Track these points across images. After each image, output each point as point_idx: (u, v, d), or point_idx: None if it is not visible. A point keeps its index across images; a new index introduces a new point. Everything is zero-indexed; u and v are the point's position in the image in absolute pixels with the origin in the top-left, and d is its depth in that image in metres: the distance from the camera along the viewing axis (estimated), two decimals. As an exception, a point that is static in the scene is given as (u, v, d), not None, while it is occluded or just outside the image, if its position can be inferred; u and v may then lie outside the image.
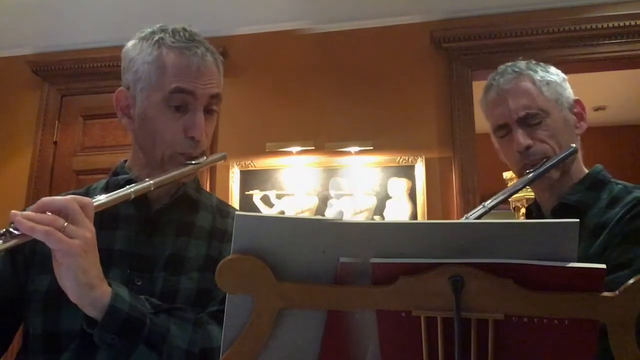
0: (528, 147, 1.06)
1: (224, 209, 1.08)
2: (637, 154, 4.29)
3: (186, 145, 0.95)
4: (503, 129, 1.12)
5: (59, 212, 0.75)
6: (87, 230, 0.76)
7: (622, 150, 4.31)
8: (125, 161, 1.05)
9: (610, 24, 2.53)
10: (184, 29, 0.98)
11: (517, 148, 1.07)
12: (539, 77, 1.10)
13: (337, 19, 2.80)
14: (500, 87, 1.11)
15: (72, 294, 0.75)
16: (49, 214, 0.74)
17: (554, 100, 1.10)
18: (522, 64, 1.14)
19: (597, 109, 4.22)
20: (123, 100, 0.98)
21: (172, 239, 0.97)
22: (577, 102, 1.15)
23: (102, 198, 0.83)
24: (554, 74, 1.14)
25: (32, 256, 0.91)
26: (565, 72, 1.17)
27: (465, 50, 2.66)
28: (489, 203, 1.01)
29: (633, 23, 2.52)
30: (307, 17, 2.83)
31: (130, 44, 1.00)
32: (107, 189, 1.00)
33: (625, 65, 2.72)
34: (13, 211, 0.73)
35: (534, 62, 1.15)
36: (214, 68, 0.97)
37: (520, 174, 1.10)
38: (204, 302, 0.94)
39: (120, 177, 1.00)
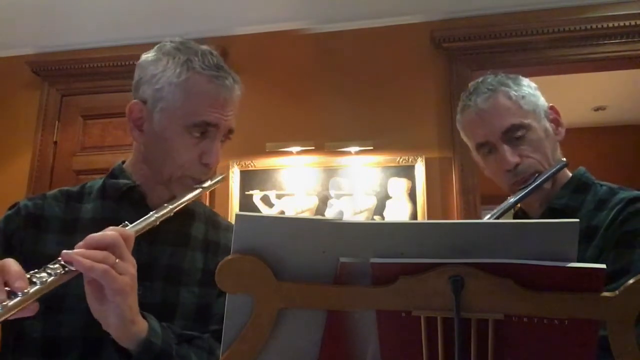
0: (516, 165, 1.06)
1: (215, 219, 1.09)
2: (637, 154, 4.29)
3: (198, 171, 0.96)
4: (485, 147, 1.11)
5: (106, 248, 0.75)
6: (132, 266, 0.77)
7: (622, 150, 4.31)
8: (123, 162, 1.04)
9: (610, 24, 2.53)
10: (211, 53, 0.97)
11: (506, 167, 1.07)
12: (514, 92, 1.09)
13: (337, 19, 2.80)
14: (479, 106, 1.09)
15: (115, 329, 0.76)
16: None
17: (532, 112, 1.09)
18: (493, 79, 1.12)
19: (597, 109, 4.22)
20: (137, 113, 0.97)
21: (170, 249, 0.97)
22: (552, 108, 1.15)
23: (135, 227, 0.83)
24: (526, 85, 1.13)
25: (31, 257, 0.89)
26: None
27: (465, 50, 2.65)
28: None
29: (633, 23, 2.52)
30: (306, 17, 2.83)
31: (150, 56, 0.98)
32: (104, 191, 1.00)
33: (625, 65, 2.72)
34: (65, 251, 0.73)
35: (502, 74, 1.13)
36: (237, 99, 1.00)
37: (511, 190, 1.10)
38: (204, 317, 0.94)
39: (122, 181, 0.99)
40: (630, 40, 2.54)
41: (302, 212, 2.62)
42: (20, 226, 0.91)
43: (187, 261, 0.98)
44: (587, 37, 2.56)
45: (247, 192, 2.69)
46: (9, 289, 0.67)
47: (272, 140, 2.72)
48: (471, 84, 1.15)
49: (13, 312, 0.65)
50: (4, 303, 0.65)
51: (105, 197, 0.98)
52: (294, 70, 2.84)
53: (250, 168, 2.72)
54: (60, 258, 0.73)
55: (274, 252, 0.54)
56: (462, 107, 1.15)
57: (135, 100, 0.97)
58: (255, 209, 2.65)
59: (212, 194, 2.74)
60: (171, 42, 0.99)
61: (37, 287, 0.68)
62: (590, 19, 2.55)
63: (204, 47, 0.98)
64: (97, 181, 1.03)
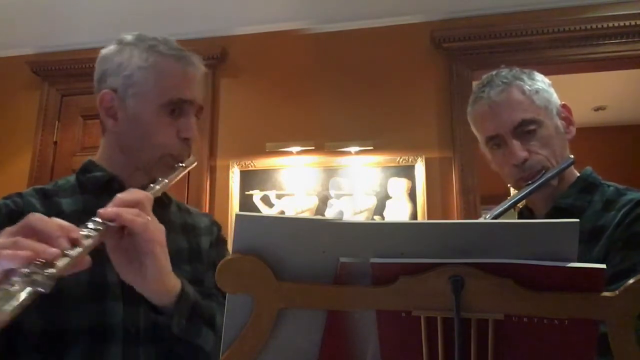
0: (525, 160, 1.06)
1: (184, 206, 1.13)
2: (637, 154, 4.29)
3: (179, 147, 0.98)
4: (495, 140, 1.11)
5: (136, 206, 0.78)
6: (158, 222, 0.81)
7: (622, 150, 4.31)
8: (90, 159, 1.04)
9: (610, 24, 2.53)
10: (169, 40, 1.01)
11: (514, 161, 1.06)
12: (528, 87, 1.09)
13: (337, 19, 2.80)
14: (491, 99, 1.09)
15: (155, 283, 0.79)
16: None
17: (545, 108, 1.09)
18: (507, 73, 1.12)
19: (597, 109, 4.22)
20: (108, 102, 0.99)
21: None
22: (564, 106, 1.14)
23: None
24: (540, 80, 1.12)
25: None
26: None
27: (465, 50, 2.65)
28: (488, 216, 1.01)
29: (633, 23, 2.52)
30: (306, 17, 2.83)
31: (112, 49, 1.01)
32: (81, 186, 1.00)
33: (625, 65, 2.72)
34: (103, 209, 0.75)
35: (517, 69, 1.13)
36: (201, 78, 1.03)
37: (517, 185, 1.09)
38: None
39: (99, 174, 0.99)
40: (630, 40, 2.55)
41: (302, 212, 2.62)
42: (5, 223, 0.91)
43: (171, 244, 1.00)
44: (587, 37, 2.56)
45: (247, 192, 2.69)
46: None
47: (272, 140, 2.72)
48: (485, 77, 1.15)
49: (76, 260, 0.66)
50: (71, 252, 0.66)
51: (84, 191, 0.99)
52: (294, 70, 2.84)
53: (250, 168, 2.73)
54: (96, 217, 0.74)
55: (274, 252, 0.54)
56: (474, 98, 1.15)
57: (105, 90, 0.99)
58: (255, 209, 2.65)
59: (212, 193, 2.74)
60: (128, 35, 1.02)
61: (91, 240, 0.69)
62: (590, 19, 2.55)
63: (162, 36, 1.03)
64: (69, 178, 1.03)
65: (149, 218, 0.78)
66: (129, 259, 0.78)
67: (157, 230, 0.79)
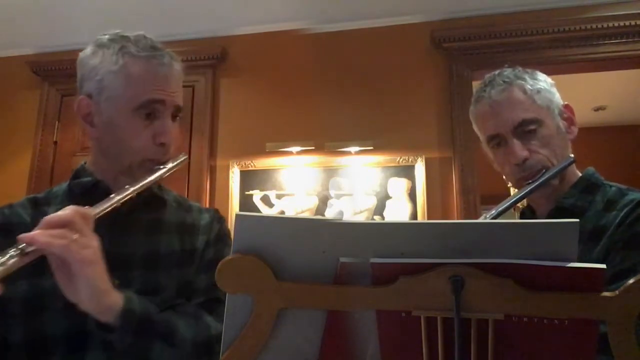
0: (525, 160, 1.06)
1: (184, 203, 1.10)
2: (637, 154, 4.29)
3: (156, 152, 0.96)
4: (496, 139, 1.11)
5: (65, 226, 0.75)
6: (94, 240, 0.78)
7: (622, 150, 4.31)
8: (85, 163, 1.04)
9: (610, 24, 2.53)
10: (144, 37, 0.99)
11: (514, 160, 1.07)
12: (529, 86, 1.09)
13: (337, 19, 2.80)
14: (492, 98, 1.09)
15: (90, 303, 0.77)
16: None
17: (546, 108, 1.09)
18: (510, 72, 1.12)
19: (597, 109, 4.22)
20: (85, 109, 0.97)
21: (143, 237, 0.97)
22: (566, 106, 1.14)
23: (95, 208, 0.84)
24: (542, 80, 1.12)
25: None
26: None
27: (465, 50, 2.65)
28: (490, 215, 1.01)
29: (633, 23, 2.52)
30: (306, 17, 2.83)
31: (88, 51, 1.00)
32: (70, 192, 1.00)
33: (625, 65, 2.72)
34: (23, 234, 0.74)
35: (520, 68, 1.13)
36: (178, 76, 0.99)
37: (518, 185, 1.10)
38: (186, 294, 0.96)
39: (84, 179, 0.99)
40: (630, 40, 2.55)
41: (302, 212, 2.62)
42: None
43: (163, 246, 0.98)
44: (587, 37, 2.56)
45: (247, 192, 2.69)
46: None
47: (272, 140, 2.72)
48: (487, 76, 1.15)
49: None
50: None
51: (72, 197, 0.98)
52: (294, 70, 2.84)
53: (250, 168, 2.73)
54: (19, 242, 0.73)
55: (274, 252, 0.54)
56: (476, 98, 1.15)
57: (81, 96, 0.98)
58: (255, 209, 2.65)
59: (212, 193, 2.74)
60: (106, 35, 1.01)
61: (0, 268, 0.69)
62: (590, 19, 2.55)
63: (138, 33, 1.00)
64: (63, 185, 1.03)
65: (75, 237, 0.75)
66: (66, 276, 0.76)
67: (85, 250, 0.75)
